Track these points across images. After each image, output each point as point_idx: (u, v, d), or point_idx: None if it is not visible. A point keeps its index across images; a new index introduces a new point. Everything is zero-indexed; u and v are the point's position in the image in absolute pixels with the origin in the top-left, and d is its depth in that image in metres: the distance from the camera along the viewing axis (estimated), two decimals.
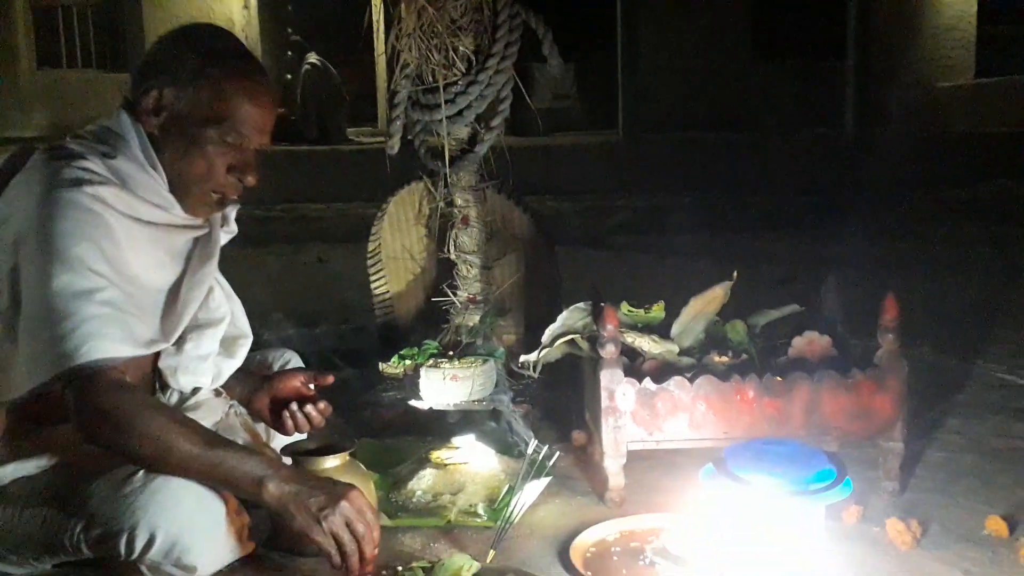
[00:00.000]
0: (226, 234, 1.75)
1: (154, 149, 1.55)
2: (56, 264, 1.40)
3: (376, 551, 1.46)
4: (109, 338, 1.41)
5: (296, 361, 1.99)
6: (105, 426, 1.40)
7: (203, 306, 1.66)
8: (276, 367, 1.95)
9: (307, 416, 1.76)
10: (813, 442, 1.83)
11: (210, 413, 1.69)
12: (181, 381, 1.64)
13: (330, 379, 1.83)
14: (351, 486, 1.47)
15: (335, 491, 1.44)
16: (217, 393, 1.76)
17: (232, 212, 1.75)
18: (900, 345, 1.90)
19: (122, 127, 1.55)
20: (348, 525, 1.41)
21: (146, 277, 1.52)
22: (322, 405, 1.78)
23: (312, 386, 1.84)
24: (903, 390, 1.90)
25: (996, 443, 2.28)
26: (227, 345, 1.74)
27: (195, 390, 1.68)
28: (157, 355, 1.60)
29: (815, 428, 1.90)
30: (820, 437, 1.89)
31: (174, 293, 1.57)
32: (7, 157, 1.59)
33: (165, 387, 1.64)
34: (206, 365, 1.67)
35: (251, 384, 1.82)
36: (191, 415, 1.62)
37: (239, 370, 1.84)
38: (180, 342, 1.61)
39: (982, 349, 3.20)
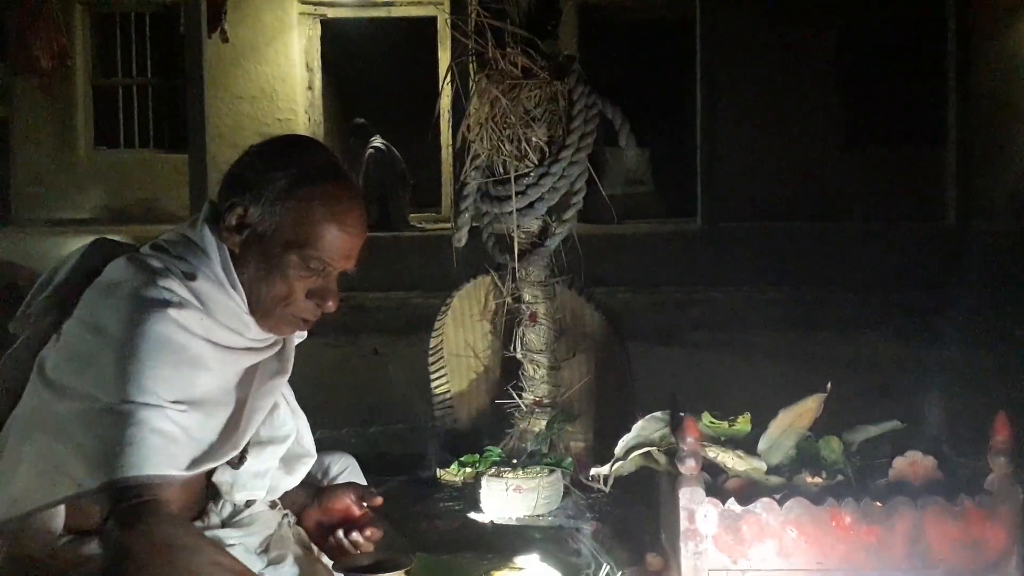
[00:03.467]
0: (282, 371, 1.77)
1: (234, 266, 1.58)
2: (132, 386, 1.44)
3: None
4: (168, 458, 1.43)
5: (354, 468, 2.00)
6: (151, 557, 1.38)
7: (267, 423, 1.68)
8: (332, 473, 1.97)
9: (354, 544, 1.76)
10: (917, 575, 1.79)
11: (264, 526, 1.70)
12: (236, 496, 1.66)
13: (379, 500, 1.82)
14: None
15: None
16: (272, 505, 1.78)
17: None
18: (1014, 469, 1.86)
19: (204, 242, 1.58)
20: None
21: (212, 397, 1.55)
22: (369, 532, 1.77)
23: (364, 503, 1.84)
24: (1018, 519, 1.85)
25: None
26: (288, 462, 1.76)
27: (249, 502, 1.70)
28: (212, 470, 1.63)
29: (919, 559, 1.85)
30: (925, 570, 1.84)
31: (239, 410, 1.59)
32: (82, 252, 1.64)
33: (218, 499, 1.66)
34: (263, 481, 1.69)
35: (303, 497, 1.84)
36: (245, 528, 1.63)
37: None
38: (240, 458, 1.64)
39: None
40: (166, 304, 1.49)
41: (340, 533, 1.76)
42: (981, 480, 1.88)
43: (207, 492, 1.65)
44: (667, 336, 6.06)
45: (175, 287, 1.51)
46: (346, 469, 1.98)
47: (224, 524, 1.66)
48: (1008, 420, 1.88)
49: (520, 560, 2.08)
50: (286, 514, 1.83)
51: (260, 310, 1.60)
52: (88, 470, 1.43)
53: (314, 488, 1.86)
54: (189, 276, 1.54)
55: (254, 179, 1.58)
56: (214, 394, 1.55)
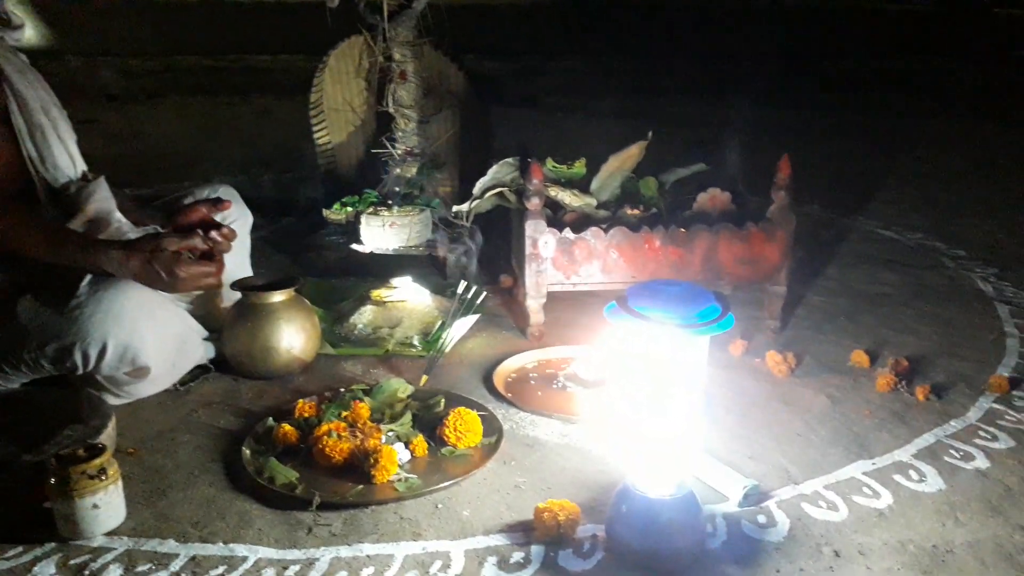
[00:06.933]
0: (12, 31, 1.69)
1: None
2: None
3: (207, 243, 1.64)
4: None
5: (230, 190, 1.96)
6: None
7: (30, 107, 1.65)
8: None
9: (213, 240, 1.71)
10: (709, 285, 1.90)
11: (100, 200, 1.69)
12: (48, 167, 1.65)
13: (228, 204, 1.82)
14: (146, 244, 1.57)
15: (149, 271, 1.56)
16: (84, 177, 1.74)
17: (13, 9, 1.69)
18: (790, 201, 1.94)
19: None
20: (180, 269, 1.57)
21: None
22: (226, 230, 1.73)
23: (217, 217, 1.81)
24: (790, 241, 1.95)
25: (867, 288, 2.40)
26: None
27: (78, 188, 1.67)
28: (21, 161, 1.61)
29: (711, 273, 1.95)
30: (715, 281, 1.96)
31: None
32: None
33: (54, 193, 1.65)
34: (57, 146, 1.67)
35: (162, 217, 1.80)
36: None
37: (154, 205, 1.83)
38: (32, 138, 1.64)
39: (865, 208, 3.31)
40: None
41: (201, 232, 1.72)
42: (766, 211, 1.96)
43: (35, 187, 1.65)
44: (526, 99, 5.99)
45: None
46: (219, 192, 1.94)
47: (56, 204, 1.64)
48: (790, 162, 1.95)
49: (395, 281, 2.12)
50: (155, 229, 1.78)
51: None
52: None
53: (170, 212, 1.83)
54: None
55: None
56: None
